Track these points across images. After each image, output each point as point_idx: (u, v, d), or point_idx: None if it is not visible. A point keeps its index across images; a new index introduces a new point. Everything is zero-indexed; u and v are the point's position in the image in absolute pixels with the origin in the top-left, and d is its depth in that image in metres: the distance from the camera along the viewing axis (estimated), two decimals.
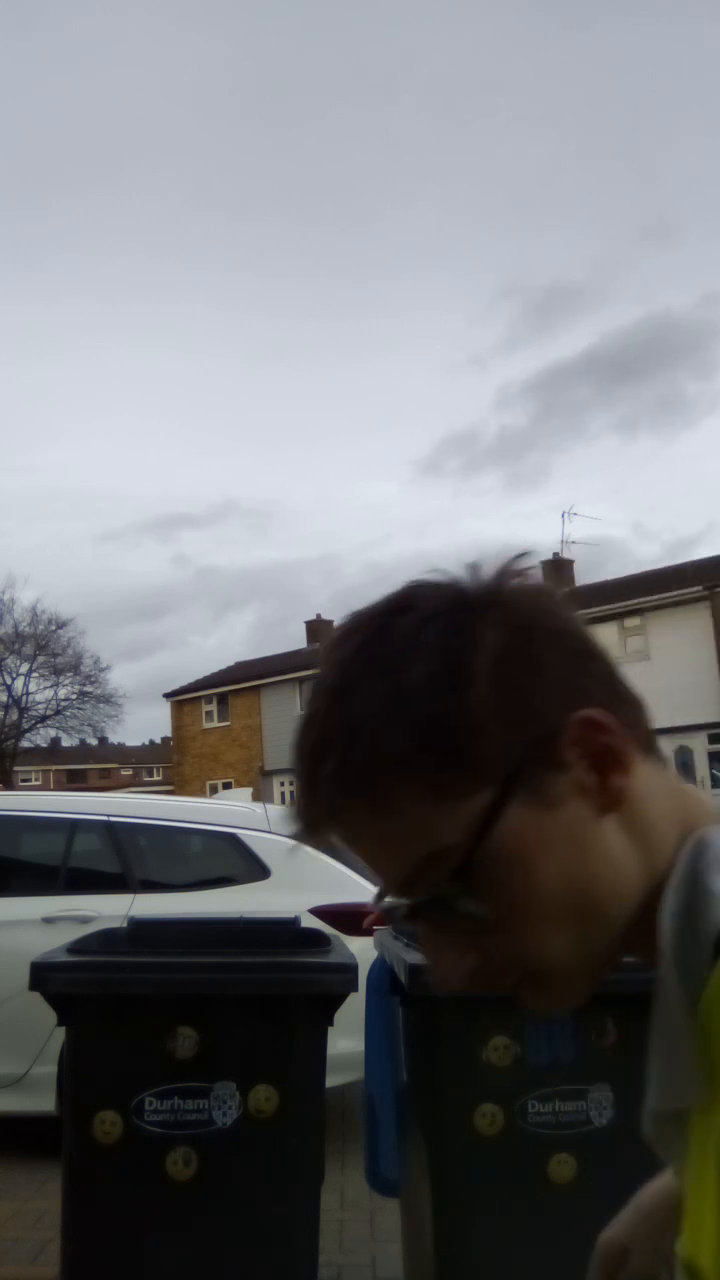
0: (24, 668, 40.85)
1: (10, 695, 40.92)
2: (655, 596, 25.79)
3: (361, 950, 2.99)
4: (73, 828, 5.31)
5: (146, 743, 70.17)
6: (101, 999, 2.63)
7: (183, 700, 37.67)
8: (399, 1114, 2.83)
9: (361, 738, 0.61)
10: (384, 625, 0.63)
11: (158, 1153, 2.54)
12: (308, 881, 4.97)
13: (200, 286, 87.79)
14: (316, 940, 3.21)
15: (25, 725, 41.53)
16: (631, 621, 26.28)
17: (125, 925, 3.63)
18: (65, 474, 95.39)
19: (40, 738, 44.54)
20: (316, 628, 37.43)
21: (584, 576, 32.39)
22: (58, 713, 42.14)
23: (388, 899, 0.64)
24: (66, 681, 41.71)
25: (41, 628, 40.71)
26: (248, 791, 21.65)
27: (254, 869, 5.09)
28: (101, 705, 42.49)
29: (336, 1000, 2.61)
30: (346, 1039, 3.12)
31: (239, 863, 5.14)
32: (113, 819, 5.33)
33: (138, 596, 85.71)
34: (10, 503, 79.47)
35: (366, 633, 0.64)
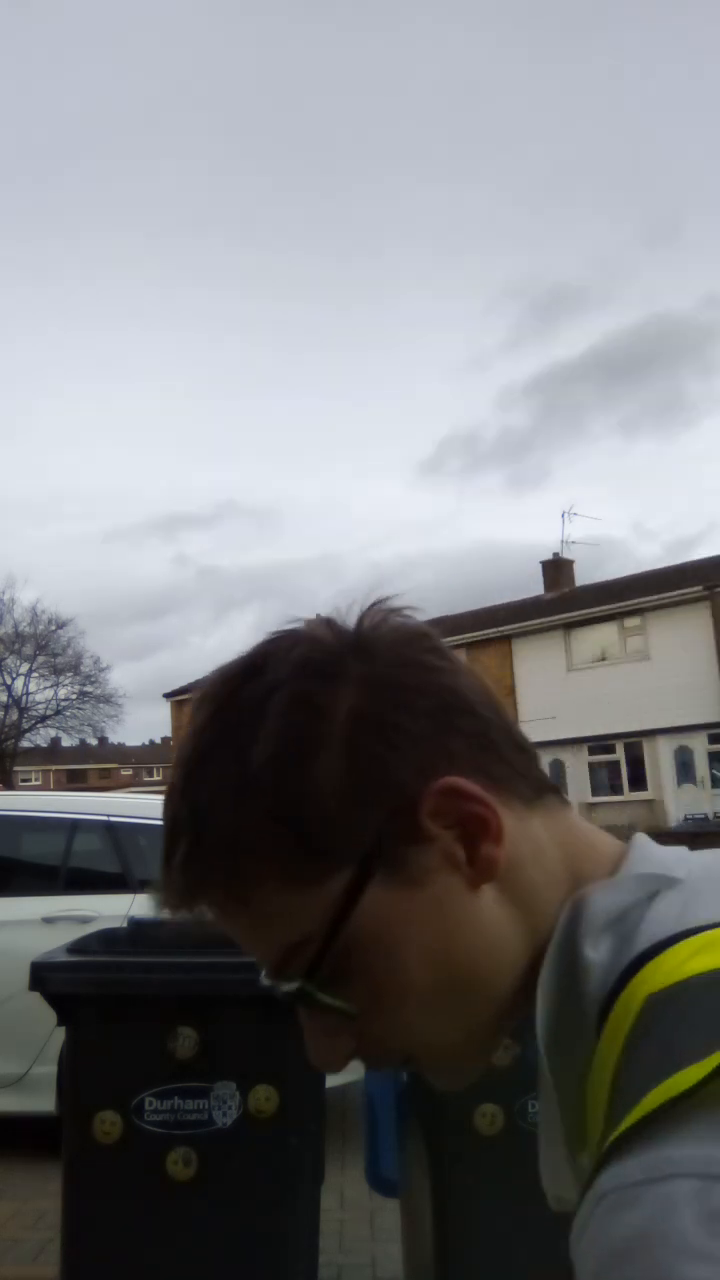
0: (24, 668, 40.94)
1: (10, 695, 40.98)
2: (655, 596, 25.79)
3: None
4: (73, 828, 5.31)
5: (146, 743, 70.19)
6: (101, 999, 2.63)
7: (183, 700, 37.62)
8: (399, 1114, 2.83)
9: (209, 823, 0.57)
10: (232, 693, 0.59)
11: (158, 1153, 2.54)
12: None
13: (205, 288, 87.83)
14: None
15: (25, 725, 41.55)
16: (631, 621, 26.28)
17: (125, 925, 3.63)
18: (69, 474, 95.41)
19: (40, 738, 44.63)
20: None
21: (584, 576, 32.41)
22: (58, 713, 42.18)
23: (268, 982, 0.61)
24: (66, 681, 41.78)
25: (41, 628, 40.79)
26: None
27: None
28: (101, 705, 42.57)
29: None
30: None
31: None
32: (113, 819, 5.33)
33: (139, 596, 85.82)
34: (14, 503, 79.57)
35: (217, 701, 0.60)
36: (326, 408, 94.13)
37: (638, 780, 25.62)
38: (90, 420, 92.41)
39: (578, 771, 26.45)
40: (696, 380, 72.48)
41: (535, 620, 27.69)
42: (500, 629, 28.26)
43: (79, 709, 42.32)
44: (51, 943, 3.08)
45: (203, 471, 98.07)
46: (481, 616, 30.71)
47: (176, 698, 37.72)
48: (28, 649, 40.62)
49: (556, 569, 31.93)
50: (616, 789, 26.13)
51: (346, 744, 0.56)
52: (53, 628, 40.98)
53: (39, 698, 41.73)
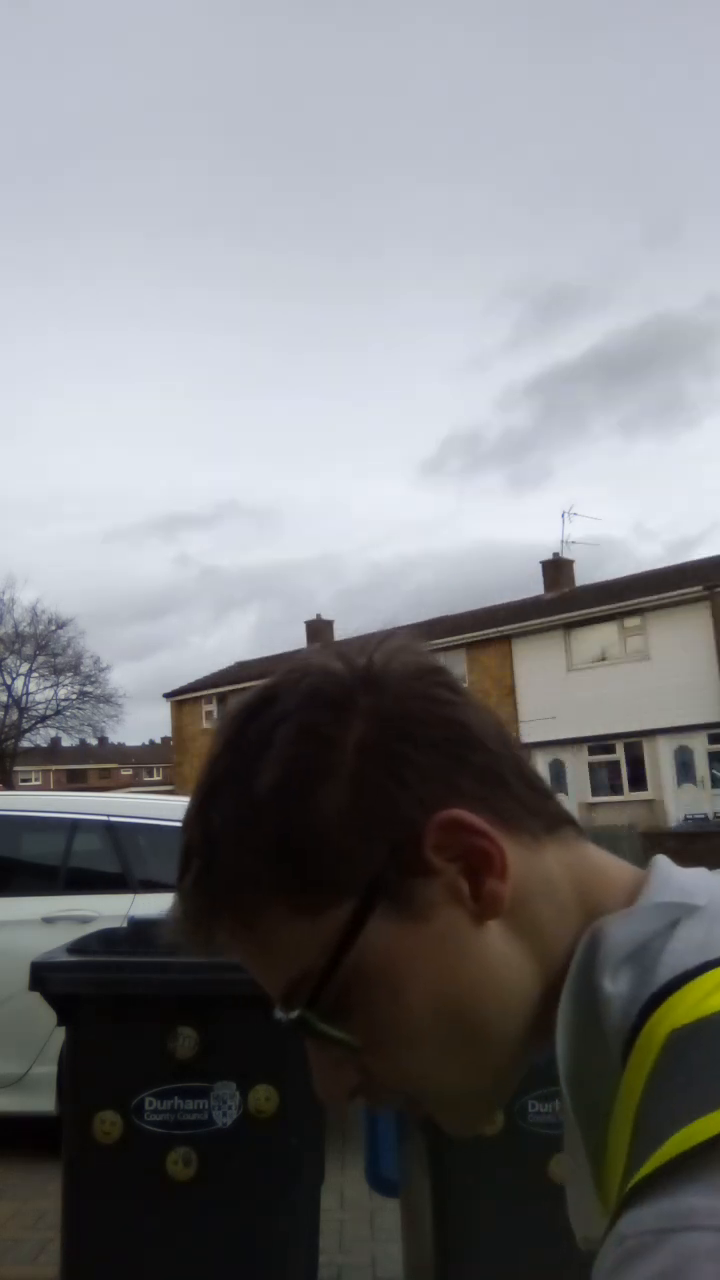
0: (24, 668, 40.93)
1: (10, 695, 40.97)
2: (655, 596, 25.78)
3: None
4: (73, 828, 5.31)
5: (146, 743, 70.21)
6: (101, 999, 2.63)
7: (183, 700, 37.66)
8: (399, 1114, 2.83)
9: (217, 852, 0.58)
10: (244, 723, 0.60)
11: (158, 1153, 2.54)
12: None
13: (205, 288, 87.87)
14: None
15: (25, 725, 41.54)
16: (631, 621, 26.27)
17: (125, 925, 3.63)
18: (69, 474, 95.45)
19: (40, 738, 44.63)
20: (316, 628, 37.41)
21: (584, 577, 32.39)
22: (58, 713, 42.18)
23: (278, 1013, 0.60)
24: (66, 681, 41.78)
25: (41, 628, 40.79)
26: None
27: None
28: (101, 705, 42.56)
29: None
30: None
31: None
32: (113, 819, 5.34)
33: (139, 596, 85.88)
34: (14, 503, 79.58)
35: (229, 731, 0.61)
36: (327, 408, 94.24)
37: (638, 780, 25.61)
38: (90, 420, 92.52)
39: (578, 771, 26.45)
40: (697, 380, 72.53)
41: (535, 620, 27.68)
42: (500, 629, 28.25)
43: (79, 709, 42.38)
44: (51, 943, 3.08)
45: (203, 471, 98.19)
46: (481, 616, 30.70)
47: (176, 698, 37.72)
48: (28, 649, 40.66)
49: (556, 569, 31.92)
50: (616, 789, 26.12)
51: (352, 775, 0.56)
52: (53, 628, 41.04)
53: (39, 698, 41.79)
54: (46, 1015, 2.65)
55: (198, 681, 38.38)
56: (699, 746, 24.90)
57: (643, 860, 0.68)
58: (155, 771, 64.78)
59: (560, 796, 0.66)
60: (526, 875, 0.58)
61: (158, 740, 64.39)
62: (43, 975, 2.59)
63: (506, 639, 28.13)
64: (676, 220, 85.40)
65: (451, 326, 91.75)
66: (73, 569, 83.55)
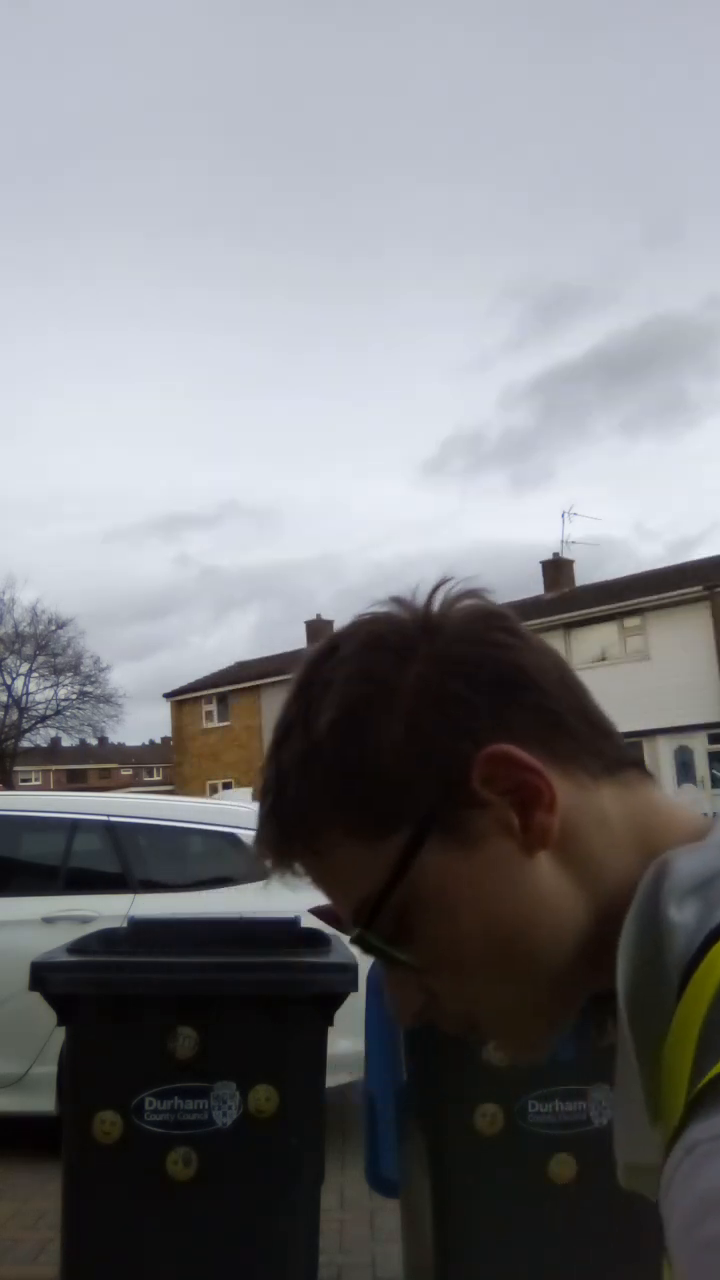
0: (24, 668, 40.92)
1: (10, 695, 40.98)
2: (655, 596, 25.80)
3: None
4: (73, 828, 5.31)
5: (146, 743, 70.22)
6: (101, 999, 2.63)
7: (183, 700, 37.68)
8: (399, 1114, 2.83)
9: (287, 787, 0.63)
10: (310, 669, 0.65)
11: (158, 1153, 2.54)
12: (308, 881, 4.97)
13: (205, 288, 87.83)
14: (316, 940, 3.21)
15: (25, 725, 41.56)
16: (631, 621, 26.29)
17: (125, 925, 3.63)
18: (69, 474, 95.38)
19: (40, 738, 44.62)
20: (316, 628, 37.43)
21: (584, 576, 32.41)
22: (58, 713, 42.19)
23: (351, 934, 0.64)
24: (66, 681, 41.77)
25: (41, 628, 40.77)
26: (248, 791, 21.63)
27: (254, 869, 5.09)
28: (101, 705, 42.55)
29: (336, 1000, 2.61)
30: (346, 1039, 3.12)
31: (239, 863, 5.14)
32: (113, 819, 5.34)
33: (139, 596, 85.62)
34: (14, 503, 79.60)
35: (298, 678, 0.66)
36: (327, 408, 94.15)
37: None
38: (90, 420, 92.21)
39: None
40: (698, 380, 72.41)
41: (535, 620, 27.70)
42: None
43: (79, 709, 42.37)
44: (51, 943, 3.08)
45: (203, 471, 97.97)
46: None
47: (176, 698, 37.74)
48: (28, 649, 40.64)
49: (556, 569, 31.94)
50: None
51: (407, 713, 0.60)
52: (53, 628, 41.02)
53: (39, 698, 41.78)
54: (46, 1015, 2.65)
55: (198, 681, 38.40)
56: (699, 746, 24.91)
57: None
58: (155, 771, 64.79)
59: None
60: (579, 811, 0.61)
61: (158, 740, 64.43)
62: (43, 975, 2.60)
63: None
64: (677, 220, 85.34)
65: (452, 326, 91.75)
66: (73, 569, 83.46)
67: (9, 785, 34.67)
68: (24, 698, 41.21)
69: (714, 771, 24.77)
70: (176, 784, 36.84)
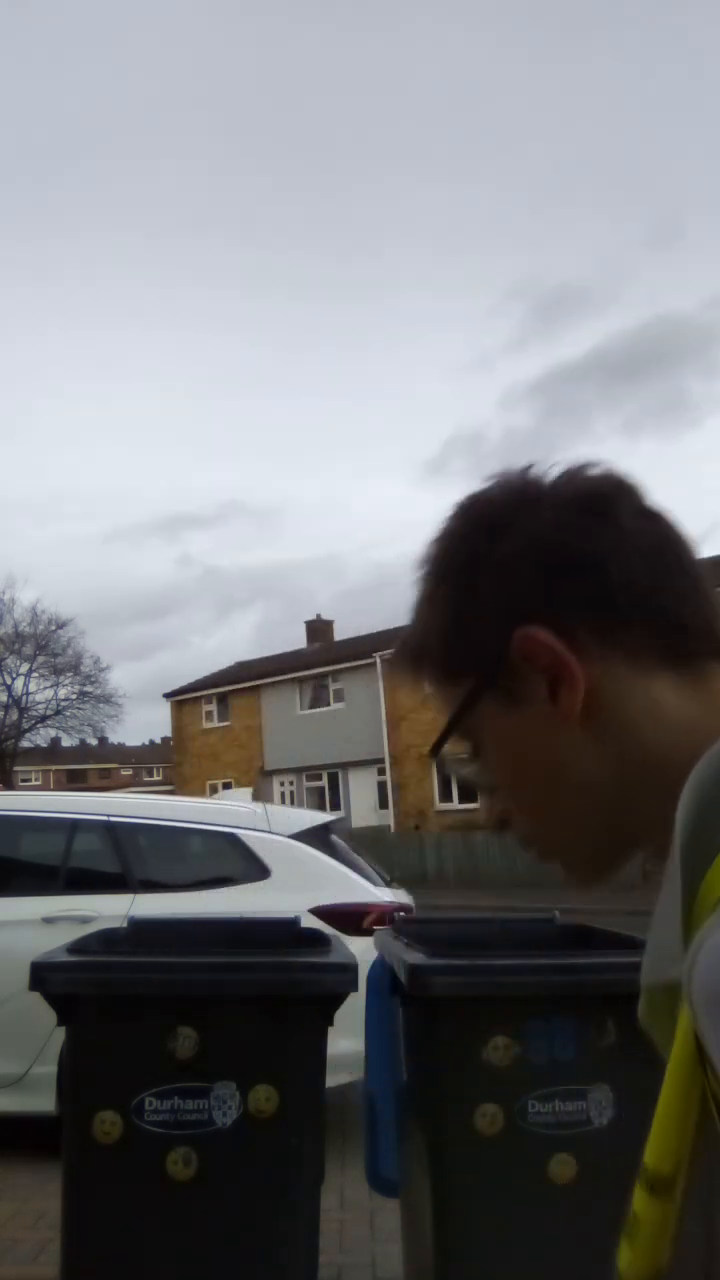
0: (24, 668, 40.88)
1: (10, 695, 40.95)
2: None
3: (361, 950, 2.99)
4: (73, 828, 5.31)
5: (146, 743, 70.20)
6: (101, 999, 2.63)
7: (183, 700, 37.64)
8: (399, 1114, 2.83)
9: (410, 629, 0.77)
10: (431, 544, 0.76)
11: (158, 1153, 2.54)
12: (308, 881, 4.97)
13: (205, 288, 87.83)
14: (316, 940, 3.21)
15: (25, 725, 41.53)
16: None
17: (125, 925, 3.64)
18: (69, 474, 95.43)
19: (40, 738, 44.56)
20: (316, 628, 37.43)
21: None
22: (58, 713, 42.15)
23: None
24: (66, 681, 41.74)
25: (41, 628, 40.73)
26: (248, 791, 21.62)
27: (254, 869, 5.09)
28: (101, 705, 42.52)
29: (336, 1000, 2.61)
30: (346, 1039, 3.12)
31: (239, 863, 5.14)
32: (113, 819, 5.34)
33: (140, 596, 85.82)
34: (14, 503, 79.58)
35: (424, 549, 0.77)
36: (328, 408, 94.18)
37: None
38: (90, 420, 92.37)
39: None
40: (699, 381, 72.63)
41: None
42: None
43: (79, 709, 42.34)
44: (51, 943, 3.08)
45: (204, 471, 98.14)
46: None
47: (176, 698, 37.71)
48: (28, 649, 40.60)
49: None
50: None
51: (484, 586, 0.70)
52: (53, 628, 40.98)
53: (39, 698, 41.73)
54: (46, 1015, 2.65)
55: (198, 681, 38.36)
56: None
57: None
58: (155, 771, 64.80)
59: None
60: (616, 694, 0.67)
61: (158, 740, 64.39)
62: (43, 975, 2.59)
63: None
64: (678, 221, 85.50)
65: (453, 327, 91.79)
66: (73, 569, 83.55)
67: (9, 785, 34.69)
68: (24, 698, 41.22)
69: None
70: (176, 784, 36.81)
